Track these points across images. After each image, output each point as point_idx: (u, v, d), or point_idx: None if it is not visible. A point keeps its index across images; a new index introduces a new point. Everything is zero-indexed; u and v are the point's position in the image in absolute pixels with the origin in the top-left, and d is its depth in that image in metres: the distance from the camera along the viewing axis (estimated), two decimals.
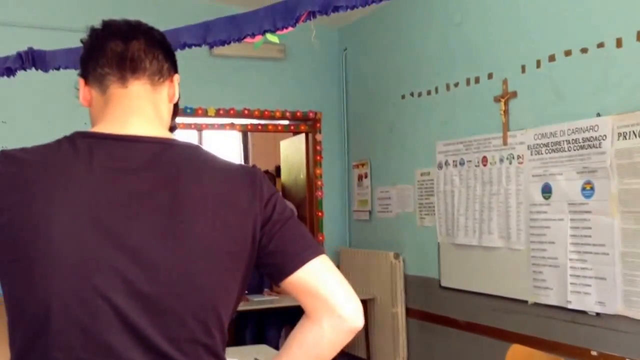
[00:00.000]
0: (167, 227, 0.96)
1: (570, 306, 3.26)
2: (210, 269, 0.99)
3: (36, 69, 2.85)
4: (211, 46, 2.21)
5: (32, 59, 2.80)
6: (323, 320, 1.04)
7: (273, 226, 1.04)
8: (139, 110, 1.06)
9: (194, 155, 1.04)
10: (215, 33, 2.10)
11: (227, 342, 1.06)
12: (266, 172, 5.85)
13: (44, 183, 0.95)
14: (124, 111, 1.05)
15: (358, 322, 1.05)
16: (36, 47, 2.83)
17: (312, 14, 1.81)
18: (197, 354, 0.98)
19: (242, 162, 1.01)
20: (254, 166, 1.11)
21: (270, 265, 1.06)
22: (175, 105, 1.16)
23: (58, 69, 2.84)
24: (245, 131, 5.79)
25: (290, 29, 1.92)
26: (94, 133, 1.02)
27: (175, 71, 1.14)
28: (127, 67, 1.06)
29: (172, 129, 1.14)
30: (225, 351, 1.06)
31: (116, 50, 1.06)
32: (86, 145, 0.99)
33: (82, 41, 1.12)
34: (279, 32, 1.98)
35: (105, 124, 1.04)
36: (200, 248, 0.97)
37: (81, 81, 1.10)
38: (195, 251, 0.97)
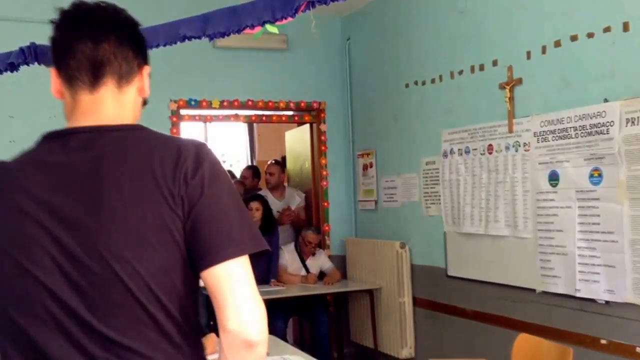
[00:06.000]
0: (92, 204, 1.01)
1: (578, 294, 3.23)
2: (134, 247, 1.00)
3: (39, 63, 2.85)
4: (211, 38, 2.19)
5: (35, 54, 2.80)
6: (221, 332, 1.02)
7: (198, 211, 1.01)
8: (97, 111, 1.10)
9: (123, 136, 1.07)
10: (215, 25, 2.07)
11: (191, 329, 1.06)
12: (276, 162, 5.82)
13: (6, 187, 1.08)
14: (84, 112, 1.11)
15: (248, 335, 0.98)
16: (38, 42, 2.82)
17: (311, 4, 1.78)
18: (140, 334, 1.00)
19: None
20: (192, 142, 1.09)
21: (191, 252, 1.03)
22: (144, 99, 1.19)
23: None
24: (249, 122, 5.78)
25: (289, 19, 1.89)
26: (48, 133, 1.10)
27: (145, 63, 1.16)
28: (96, 74, 1.10)
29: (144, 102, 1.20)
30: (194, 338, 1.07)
31: (85, 53, 1.09)
32: (38, 145, 1.10)
33: (52, 22, 1.14)
34: (278, 23, 1.95)
35: (69, 124, 1.12)
36: (123, 227, 1.00)
37: (53, 72, 1.14)
38: (119, 230, 1.00)
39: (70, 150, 1.06)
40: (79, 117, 1.11)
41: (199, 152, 1.05)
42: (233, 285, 1.00)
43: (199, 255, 1.01)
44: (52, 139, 1.09)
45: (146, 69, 1.16)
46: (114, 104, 1.11)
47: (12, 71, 2.85)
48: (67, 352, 0.99)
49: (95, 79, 1.09)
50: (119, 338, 0.99)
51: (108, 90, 1.11)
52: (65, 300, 1.00)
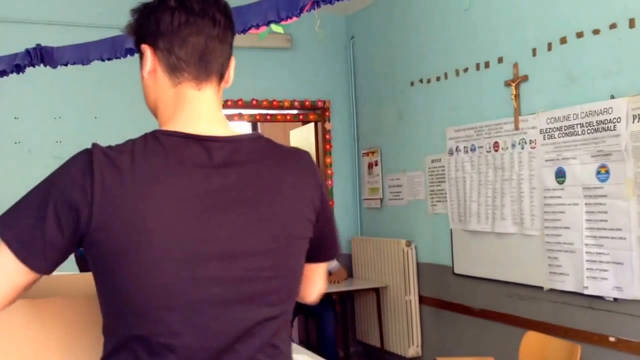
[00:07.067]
0: (254, 218, 1.01)
1: (586, 292, 3.22)
2: (293, 254, 1.07)
3: (44, 65, 2.85)
4: None
5: (40, 56, 2.81)
6: (304, 299, 1.24)
7: (322, 218, 1.12)
8: (210, 114, 1.07)
9: (263, 148, 1.07)
10: None
11: None
12: None
13: (139, 181, 0.96)
14: (197, 115, 1.06)
15: (315, 300, 1.28)
16: (44, 43, 2.83)
17: (316, 3, 1.78)
18: (283, 335, 1.09)
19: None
20: (309, 154, 1.15)
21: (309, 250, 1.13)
22: None
23: (66, 64, 2.84)
24: (254, 121, 5.77)
25: (294, 18, 1.89)
26: (177, 132, 1.02)
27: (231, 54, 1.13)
28: (204, 69, 1.06)
29: None
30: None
31: (197, 47, 1.04)
32: (173, 143, 1.00)
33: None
34: (283, 22, 1.95)
35: (180, 124, 1.04)
36: (284, 235, 1.04)
37: (148, 50, 1.06)
38: (281, 239, 1.04)
39: (217, 162, 1.01)
40: (194, 118, 1.05)
41: (313, 162, 1.15)
42: (322, 273, 1.24)
43: (314, 252, 1.14)
44: (190, 141, 1.01)
45: (233, 60, 1.13)
46: (216, 102, 1.09)
47: (17, 73, 2.86)
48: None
49: (203, 74, 1.06)
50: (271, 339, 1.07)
51: (212, 87, 1.08)
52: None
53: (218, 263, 0.98)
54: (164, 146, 0.99)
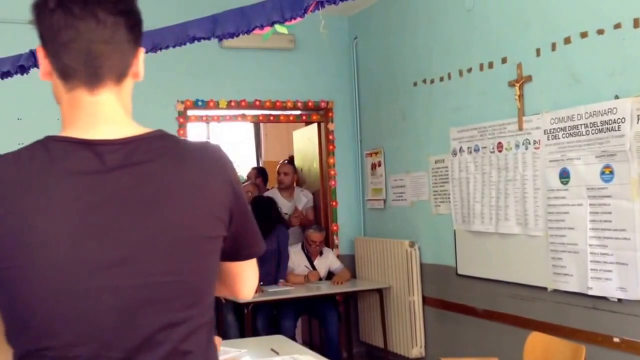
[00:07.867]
0: (151, 220, 0.98)
1: (591, 292, 3.21)
2: (198, 255, 1.02)
3: None
4: (220, 39, 2.19)
5: None
6: (236, 295, 1.25)
7: (237, 214, 1.08)
8: (108, 117, 1.02)
9: (162, 147, 1.02)
10: (224, 26, 2.07)
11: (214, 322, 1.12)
12: (289, 162, 5.79)
13: (23, 191, 0.94)
14: (93, 119, 1.02)
15: (249, 297, 1.29)
16: None
17: (320, 4, 1.78)
18: (197, 339, 1.03)
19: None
20: (219, 147, 1.10)
21: (224, 248, 1.10)
22: None
23: None
24: (256, 122, 5.78)
25: (298, 19, 1.89)
26: (67, 138, 0.99)
27: (139, 45, 1.07)
28: (93, 74, 1.00)
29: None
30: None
31: (81, 52, 0.98)
32: (60, 150, 0.97)
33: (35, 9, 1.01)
34: (287, 23, 1.95)
35: (76, 129, 1.01)
36: (186, 236, 1.00)
37: (40, 51, 1.02)
38: (183, 240, 1.00)
39: (110, 166, 0.98)
40: (90, 122, 1.01)
41: (224, 156, 1.10)
42: (252, 270, 1.22)
43: (233, 251, 1.12)
44: (80, 146, 0.98)
45: (141, 51, 1.07)
46: (117, 103, 1.03)
47: (22, 74, 2.86)
48: None
49: (93, 79, 1.00)
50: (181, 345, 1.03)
51: (108, 89, 1.02)
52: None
53: (113, 271, 0.95)
54: (50, 154, 0.97)
